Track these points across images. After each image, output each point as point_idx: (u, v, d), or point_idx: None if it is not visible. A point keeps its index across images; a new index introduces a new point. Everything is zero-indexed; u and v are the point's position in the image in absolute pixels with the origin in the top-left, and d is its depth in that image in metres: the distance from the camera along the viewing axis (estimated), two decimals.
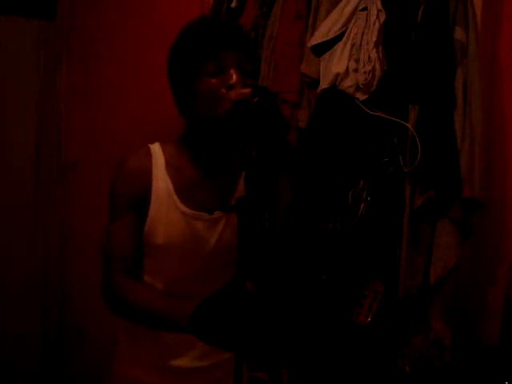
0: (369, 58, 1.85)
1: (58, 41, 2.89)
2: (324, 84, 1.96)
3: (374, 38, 1.86)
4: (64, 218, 2.93)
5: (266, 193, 1.05)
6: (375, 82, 1.86)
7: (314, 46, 2.00)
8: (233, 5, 2.25)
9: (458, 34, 1.83)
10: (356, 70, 1.89)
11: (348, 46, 1.92)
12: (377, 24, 1.86)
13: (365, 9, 1.91)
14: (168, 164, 1.30)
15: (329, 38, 1.96)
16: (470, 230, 1.89)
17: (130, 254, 1.27)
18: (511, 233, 2.02)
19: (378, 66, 1.84)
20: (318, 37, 1.98)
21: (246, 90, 1.16)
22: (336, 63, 1.93)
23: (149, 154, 1.30)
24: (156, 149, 1.31)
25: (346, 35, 1.94)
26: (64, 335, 2.94)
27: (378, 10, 1.87)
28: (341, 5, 1.97)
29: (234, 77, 1.21)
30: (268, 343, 1.01)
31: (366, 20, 1.89)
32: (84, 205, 2.83)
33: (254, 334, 1.01)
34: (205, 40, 1.24)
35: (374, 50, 1.85)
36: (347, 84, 1.91)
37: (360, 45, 1.89)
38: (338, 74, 1.92)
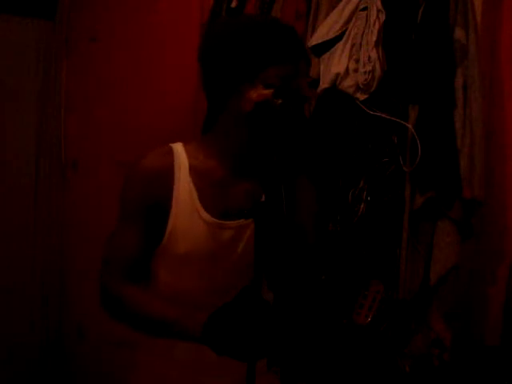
0: (369, 58, 1.85)
1: (58, 41, 2.89)
2: (324, 84, 1.96)
3: (374, 38, 1.85)
4: (64, 217, 2.93)
5: (287, 197, 1.00)
6: (375, 82, 1.86)
7: (314, 46, 2.00)
8: (233, 5, 2.25)
9: (458, 34, 1.83)
10: (356, 70, 1.89)
11: (348, 46, 1.92)
12: (377, 24, 1.86)
13: (365, 9, 1.91)
14: (192, 167, 1.19)
15: (329, 38, 1.96)
16: (470, 230, 1.89)
17: (139, 259, 1.19)
18: (511, 233, 2.02)
19: (377, 66, 1.84)
20: (318, 37, 1.98)
21: (268, 91, 1.08)
22: (336, 63, 1.93)
23: (171, 155, 1.19)
24: (179, 149, 1.20)
25: (346, 35, 1.93)
26: (64, 335, 2.94)
27: (378, 10, 1.87)
28: (341, 5, 1.97)
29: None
30: (284, 354, 0.98)
31: (366, 20, 1.89)
32: (84, 205, 2.83)
33: (269, 344, 0.97)
34: (287, 41, 1.14)
35: (374, 50, 1.85)
36: (347, 84, 1.91)
37: (360, 45, 1.89)
38: (338, 74, 1.92)
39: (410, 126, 1.84)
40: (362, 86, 1.88)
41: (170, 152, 1.19)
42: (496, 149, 2.02)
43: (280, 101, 1.05)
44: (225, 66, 1.14)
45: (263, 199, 1.00)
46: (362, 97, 1.89)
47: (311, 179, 1.25)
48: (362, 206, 1.91)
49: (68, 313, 2.93)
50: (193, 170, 1.19)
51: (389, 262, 1.88)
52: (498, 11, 2.01)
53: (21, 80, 2.85)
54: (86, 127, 2.85)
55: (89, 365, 2.73)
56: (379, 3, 1.87)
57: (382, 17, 1.86)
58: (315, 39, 1.99)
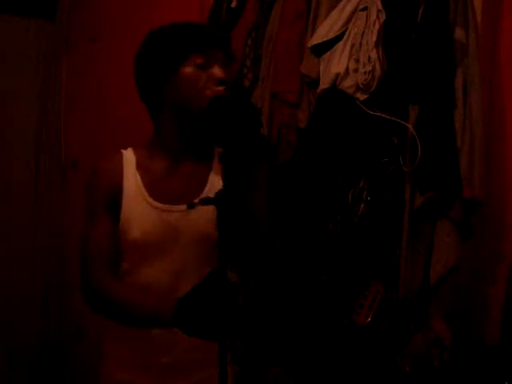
0: (369, 58, 1.85)
1: (58, 41, 2.89)
2: (324, 84, 1.96)
3: (374, 38, 1.86)
4: (64, 218, 2.93)
5: (243, 184, 1.09)
6: (375, 82, 1.86)
7: (314, 46, 2.00)
8: (233, 5, 2.25)
9: (458, 34, 1.83)
10: (356, 70, 1.89)
11: (348, 46, 1.92)
12: (377, 24, 1.86)
13: (365, 9, 1.91)
14: (138, 164, 1.36)
15: (329, 38, 1.96)
16: (469, 230, 1.89)
17: (110, 252, 1.31)
18: (511, 233, 2.02)
19: (377, 66, 1.84)
20: (318, 37, 1.98)
21: (221, 88, 1.24)
22: (336, 63, 1.93)
23: (120, 156, 1.37)
24: (128, 153, 1.38)
25: (346, 35, 1.94)
26: (64, 335, 2.94)
27: (378, 10, 1.87)
28: (341, 5, 1.97)
29: (219, 72, 1.28)
30: (251, 333, 1.04)
31: (366, 20, 1.89)
32: (84, 205, 2.83)
33: (237, 324, 1.04)
34: (193, 34, 1.31)
35: (374, 50, 1.85)
36: (347, 84, 1.91)
37: (360, 45, 1.89)
38: (337, 74, 1.92)
39: (410, 126, 1.84)
40: (361, 86, 1.88)
41: (120, 155, 1.38)
42: (496, 149, 2.02)
43: (229, 93, 1.20)
44: (152, 65, 1.36)
45: (222, 187, 1.10)
46: (362, 97, 1.89)
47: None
48: (362, 205, 1.91)
49: (68, 313, 2.93)
50: (139, 166, 1.36)
51: (389, 261, 1.88)
52: (498, 11, 2.01)
53: (21, 80, 2.85)
54: (85, 127, 2.85)
55: (89, 365, 2.73)
56: (379, 3, 1.87)
57: (382, 17, 1.86)
58: (315, 39, 1.99)
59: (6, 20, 2.79)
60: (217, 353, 1.08)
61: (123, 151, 1.39)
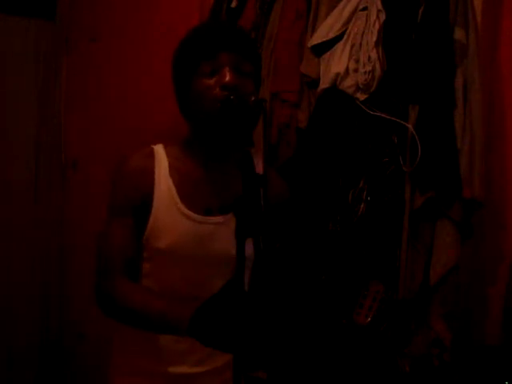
0: (369, 58, 1.85)
1: (58, 41, 2.89)
2: (324, 84, 1.96)
3: (374, 38, 1.86)
4: (64, 217, 2.93)
5: (263, 191, 1.05)
6: (375, 82, 1.86)
7: (314, 46, 2.00)
8: (233, 5, 2.25)
9: (458, 34, 1.83)
10: (356, 70, 1.89)
11: (348, 46, 1.92)
12: (377, 24, 1.86)
13: (365, 9, 1.91)
14: (171, 167, 1.29)
15: (329, 38, 1.96)
16: (470, 230, 1.89)
17: (129, 255, 1.25)
18: (511, 233, 2.02)
19: (377, 66, 1.84)
20: (318, 37, 1.98)
21: (225, 93, 1.20)
22: (336, 63, 1.93)
23: (152, 156, 1.30)
24: (159, 151, 1.31)
25: (346, 35, 1.94)
26: (64, 336, 2.94)
27: (378, 10, 1.87)
28: (341, 5, 1.97)
29: (228, 76, 1.22)
30: (268, 344, 1.01)
31: (366, 20, 1.89)
32: (84, 205, 2.83)
33: (254, 335, 1.01)
34: (201, 41, 1.26)
35: (374, 50, 1.85)
36: (347, 84, 1.91)
37: (360, 45, 1.89)
38: (337, 74, 1.92)
39: (410, 126, 1.85)
40: (361, 86, 1.88)
41: (151, 153, 1.30)
42: (496, 149, 2.02)
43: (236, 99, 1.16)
44: (174, 70, 1.33)
45: (241, 194, 1.05)
46: (362, 97, 1.89)
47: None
48: (361, 205, 1.91)
49: (68, 313, 2.93)
50: (172, 169, 1.29)
51: (389, 262, 1.88)
52: (498, 11, 2.01)
53: (21, 80, 2.85)
54: (85, 127, 2.85)
55: (89, 365, 2.73)
56: (379, 3, 1.87)
57: (382, 17, 1.86)
58: (315, 39, 1.99)
59: (5, 20, 2.79)
60: (228, 366, 1.04)
61: (154, 148, 1.31)
